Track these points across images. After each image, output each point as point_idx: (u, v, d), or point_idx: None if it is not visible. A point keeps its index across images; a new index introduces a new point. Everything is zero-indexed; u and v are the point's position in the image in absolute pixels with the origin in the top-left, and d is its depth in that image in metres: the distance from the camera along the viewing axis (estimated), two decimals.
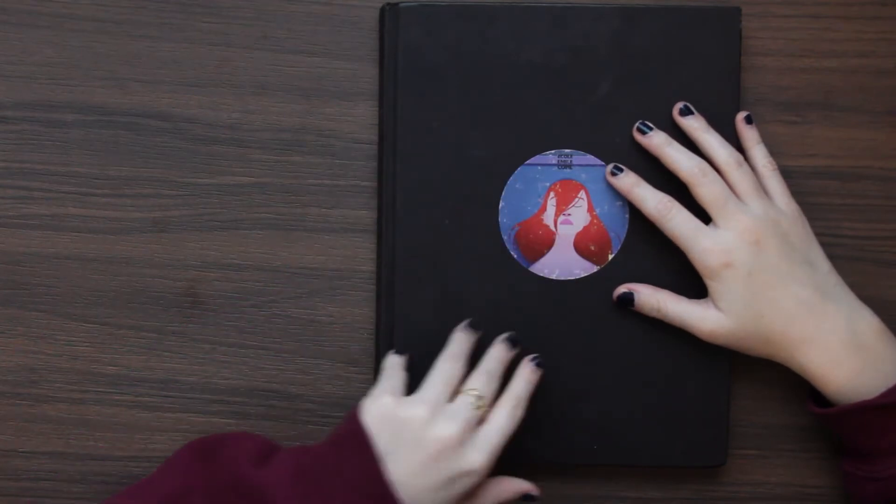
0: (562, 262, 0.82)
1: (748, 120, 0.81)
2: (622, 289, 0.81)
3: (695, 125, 0.80)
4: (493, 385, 0.77)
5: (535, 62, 0.81)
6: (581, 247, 0.82)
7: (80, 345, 0.85)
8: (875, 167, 0.84)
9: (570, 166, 0.82)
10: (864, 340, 0.77)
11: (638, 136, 0.80)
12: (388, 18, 0.82)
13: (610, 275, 0.82)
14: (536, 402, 0.82)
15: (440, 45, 0.81)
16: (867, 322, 0.77)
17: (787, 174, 0.82)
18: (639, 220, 0.82)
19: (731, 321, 0.77)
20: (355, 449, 0.74)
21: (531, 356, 0.79)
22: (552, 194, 0.82)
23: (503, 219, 0.82)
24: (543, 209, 0.82)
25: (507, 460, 0.80)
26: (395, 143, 0.82)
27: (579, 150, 0.82)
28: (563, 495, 0.85)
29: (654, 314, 0.80)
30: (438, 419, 0.75)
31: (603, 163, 0.82)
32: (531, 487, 0.79)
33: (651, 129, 0.80)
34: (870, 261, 0.84)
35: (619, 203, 0.82)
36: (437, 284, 0.82)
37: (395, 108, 0.82)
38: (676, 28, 0.81)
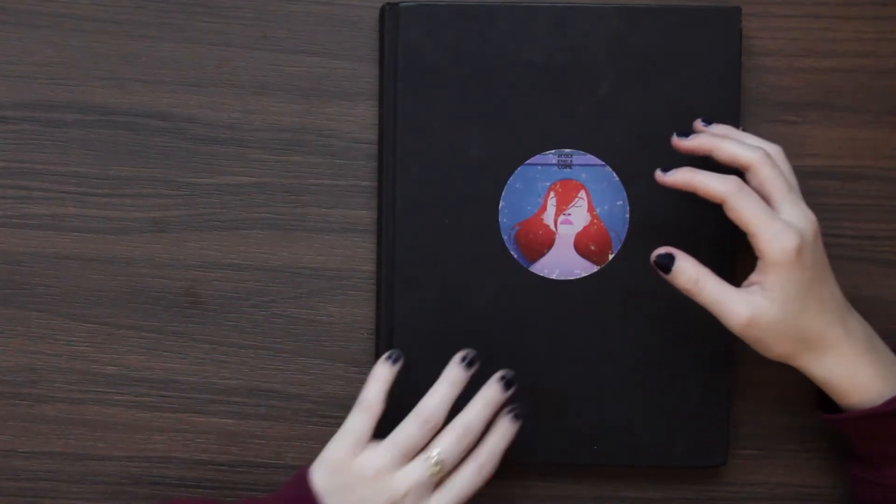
0: (562, 262, 0.82)
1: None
2: (662, 250, 0.75)
3: (723, 131, 0.78)
4: (464, 444, 0.76)
5: (535, 62, 0.81)
6: (581, 247, 0.82)
7: (80, 345, 0.85)
8: (875, 167, 0.84)
9: (570, 166, 0.82)
10: (880, 350, 0.77)
11: (700, 126, 0.78)
12: (388, 18, 0.82)
13: (610, 275, 0.82)
14: (537, 402, 0.82)
15: (440, 45, 0.81)
16: (871, 329, 0.77)
17: None
18: (639, 220, 0.82)
19: (776, 310, 0.73)
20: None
21: (510, 408, 0.77)
22: (552, 194, 0.82)
23: (503, 219, 0.82)
24: (543, 209, 0.82)
25: (507, 460, 0.80)
26: (395, 143, 0.82)
27: (579, 150, 0.82)
28: (563, 495, 0.85)
29: (688, 287, 0.74)
30: (391, 477, 0.74)
31: (603, 163, 0.82)
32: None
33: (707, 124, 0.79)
34: (870, 261, 0.84)
35: (619, 203, 0.82)
36: (437, 284, 0.82)
37: (395, 108, 0.82)
38: (676, 28, 0.81)
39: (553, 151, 0.82)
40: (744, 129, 0.80)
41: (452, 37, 0.81)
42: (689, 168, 0.75)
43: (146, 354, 0.85)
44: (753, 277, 0.74)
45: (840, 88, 0.84)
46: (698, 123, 0.79)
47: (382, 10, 0.82)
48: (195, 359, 0.85)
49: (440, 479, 0.75)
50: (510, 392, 0.77)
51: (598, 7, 0.81)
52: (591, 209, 0.82)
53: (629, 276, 0.82)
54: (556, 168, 0.82)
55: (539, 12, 0.81)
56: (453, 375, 0.77)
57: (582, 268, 0.82)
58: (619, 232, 0.82)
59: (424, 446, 0.76)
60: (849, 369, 0.75)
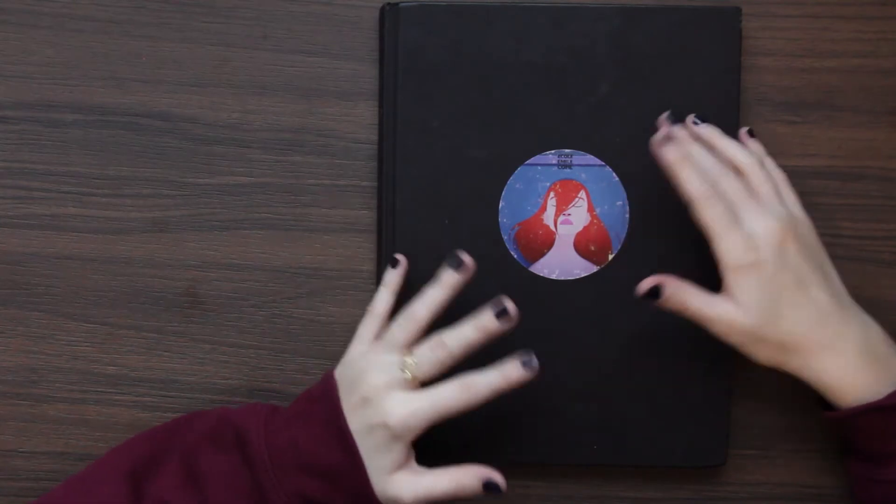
0: (562, 262, 0.82)
1: (751, 133, 0.80)
2: (650, 283, 0.76)
3: (707, 132, 0.79)
4: (438, 354, 0.75)
5: (535, 62, 0.81)
6: (581, 247, 0.82)
7: (80, 345, 0.85)
8: (875, 167, 0.84)
9: (570, 166, 0.82)
10: (878, 350, 0.76)
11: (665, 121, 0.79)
12: (388, 18, 0.82)
13: (610, 275, 0.82)
14: (537, 402, 0.82)
15: (440, 45, 0.81)
16: (876, 332, 0.77)
17: (787, 174, 0.82)
18: (639, 220, 0.82)
19: (750, 318, 0.75)
20: (323, 398, 0.75)
21: (522, 354, 0.75)
22: (552, 194, 0.82)
23: (503, 219, 0.82)
24: (543, 209, 0.82)
25: (507, 459, 0.80)
26: (395, 143, 0.82)
27: (579, 150, 0.82)
28: (563, 495, 0.85)
29: (676, 309, 0.77)
30: (374, 366, 0.75)
31: (603, 163, 0.82)
32: (495, 475, 0.75)
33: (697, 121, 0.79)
34: (870, 261, 0.84)
35: (619, 203, 0.82)
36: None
37: (395, 108, 0.82)
38: (676, 28, 0.81)
39: (553, 151, 0.82)
40: (747, 130, 0.81)
41: (452, 37, 0.81)
42: (682, 155, 0.76)
43: (146, 354, 0.85)
44: (722, 288, 0.76)
45: (840, 88, 0.84)
46: (690, 119, 0.79)
47: (382, 10, 0.82)
48: (195, 359, 0.85)
49: (416, 383, 0.75)
50: (504, 325, 0.76)
51: (598, 7, 0.81)
52: (590, 209, 0.82)
53: (629, 276, 0.82)
54: (556, 168, 0.82)
55: (539, 12, 0.81)
56: (444, 278, 0.77)
57: (582, 268, 0.82)
58: (619, 232, 0.82)
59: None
60: (841, 372, 0.76)
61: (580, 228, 0.82)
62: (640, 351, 0.82)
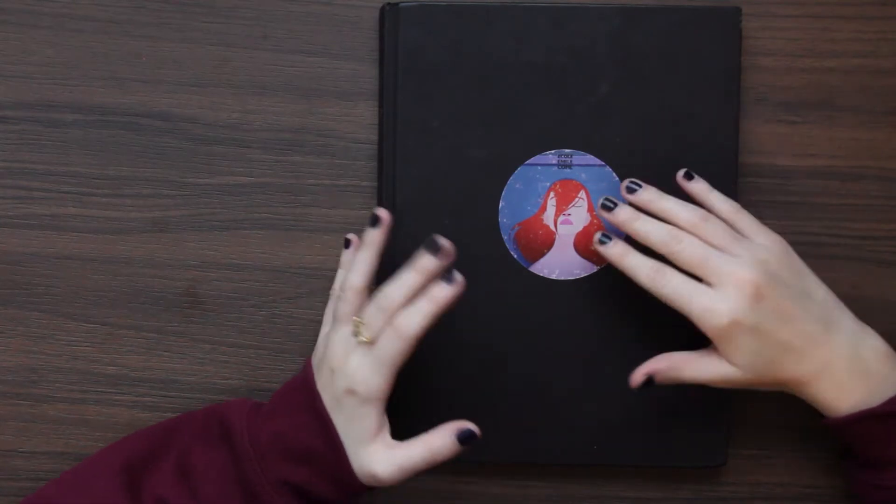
0: (562, 262, 0.82)
1: (688, 176, 0.79)
2: (641, 377, 0.78)
3: (645, 197, 0.78)
4: (383, 307, 0.74)
5: (535, 62, 0.81)
6: (581, 247, 0.82)
7: (80, 345, 0.85)
8: (875, 167, 0.84)
9: (570, 166, 0.82)
10: (870, 366, 0.76)
11: (604, 213, 0.78)
12: (388, 18, 0.82)
13: (610, 275, 0.82)
14: (537, 402, 0.82)
15: (440, 45, 0.81)
16: (871, 346, 0.77)
17: (787, 174, 0.82)
18: None
19: (744, 373, 0.76)
20: (302, 386, 0.76)
21: (445, 274, 0.74)
22: (552, 194, 0.82)
23: (503, 219, 0.82)
24: (543, 209, 0.82)
25: (507, 459, 0.80)
26: (395, 143, 0.82)
27: (579, 150, 0.82)
28: (563, 495, 0.85)
29: (673, 383, 0.79)
30: (334, 342, 0.76)
31: (603, 163, 0.82)
32: (467, 424, 0.75)
33: (615, 204, 0.78)
34: (870, 261, 0.84)
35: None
36: None
37: (395, 108, 0.82)
38: (676, 28, 0.81)
39: (553, 151, 0.82)
40: (684, 173, 0.80)
41: (452, 37, 0.81)
42: (622, 248, 0.77)
43: (146, 354, 0.85)
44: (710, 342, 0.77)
45: (840, 88, 0.84)
46: (624, 185, 0.79)
47: (382, 10, 0.82)
48: (195, 359, 0.85)
49: (369, 343, 0.74)
50: (440, 258, 0.75)
51: (598, 7, 0.81)
52: (591, 209, 0.82)
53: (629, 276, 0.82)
54: (556, 168, 0.82)
55: (539, 12, 0.81)
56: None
57: (582, 268, 0.82)
58: (618, 232, 0.82)
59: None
60: (834, 393, 0.76)
61: (580, 228, 0.82)
62: (640, 351, 0.82)
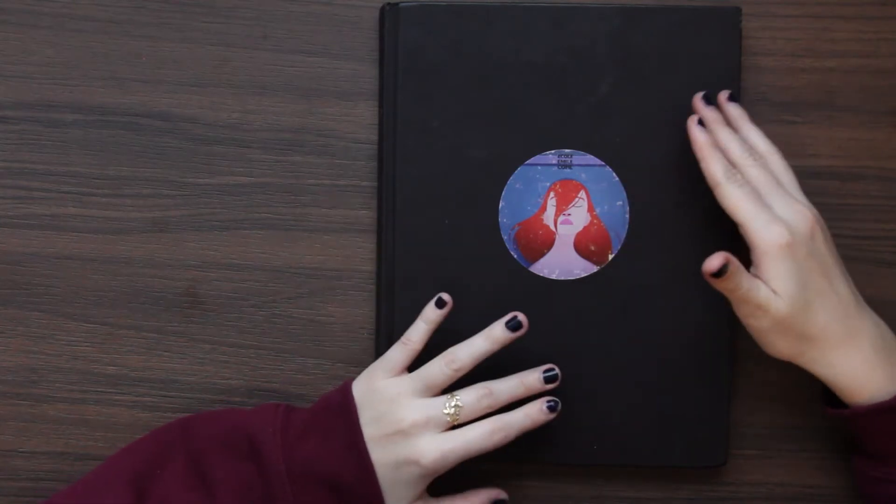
0: (562, 262, 0.82)
1: (732, 98, 0.80)
2: (720, 260, 0.72)
3: (736, 114, 0.79)
4: (484, 403, 0.77)
5: (535, 62, 0.81)
6: (581, 247, 0.82)
7: (80, 345, 0.85)
8: (875, 167, 0.84)
9: (570, 166, 0.82)
10: (891, 348, 0.76)
11: (698, 103, 0.79)
12: (388, 18, 0.82)
13: (610, 275, 0.82)
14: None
15: (440, 45, 0.81)
16: (887, 331, 0.77)
17: None
18: (639, 220, 0.82)
19: (783, 303, 0.74)
20: (342, 414, 0.76)
21: (547, 399, 0.78)
22: (552, 194, 0.82)
23: (503, 219, 0.82)
24: (543, 209, 0.82)
25: (507, 460, 0.80)
26: (395, 143, 0.82)
27: (579, 150, 0.82)
28: (563, 495, 0.85)
29: (729, 287, 0.74)
30: (408, 403, 0.76)
31: (603, 163, 0.82)
32: (501, 494, 0.80)
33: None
34: (870, 261, 0.84)
35: (619, 203, 0.82)
36: (437, 284, 0.82)
37: (395, 108, 0.82)
38: (676, 28, 0.81)
39: (553, 151, 0.82)
40: (728, 94, 0.81)
41: (452, 37, 0.81)
42: (712, 140, 0.77)
43: (146, 354, 0.85)
44: (753, 271, 0.75)
45: (840, 88, 0.84)
46: (723, 96, 0.80)
47: (382, 10, 0.82)
48: (195, 359, 0.85)
49: (451, 425, 0.76)
50: (548, 387, 0.78)
51: (598, 7, 0.81)
52: (590, 209, 0.82)
53: (629, 276, 0.82)
54: (556, 168, 0.82)
55: (539, 12, 0.81)
56: (493, 333, 0.78)
57: (582, 268, 0.82)
58: (619, 232, 0.82)
59: (448, 391, 0.78)
60: (855, 369, 0.75)
61: (580, 228, 0.82)
62: (640, 351, 0.82)
